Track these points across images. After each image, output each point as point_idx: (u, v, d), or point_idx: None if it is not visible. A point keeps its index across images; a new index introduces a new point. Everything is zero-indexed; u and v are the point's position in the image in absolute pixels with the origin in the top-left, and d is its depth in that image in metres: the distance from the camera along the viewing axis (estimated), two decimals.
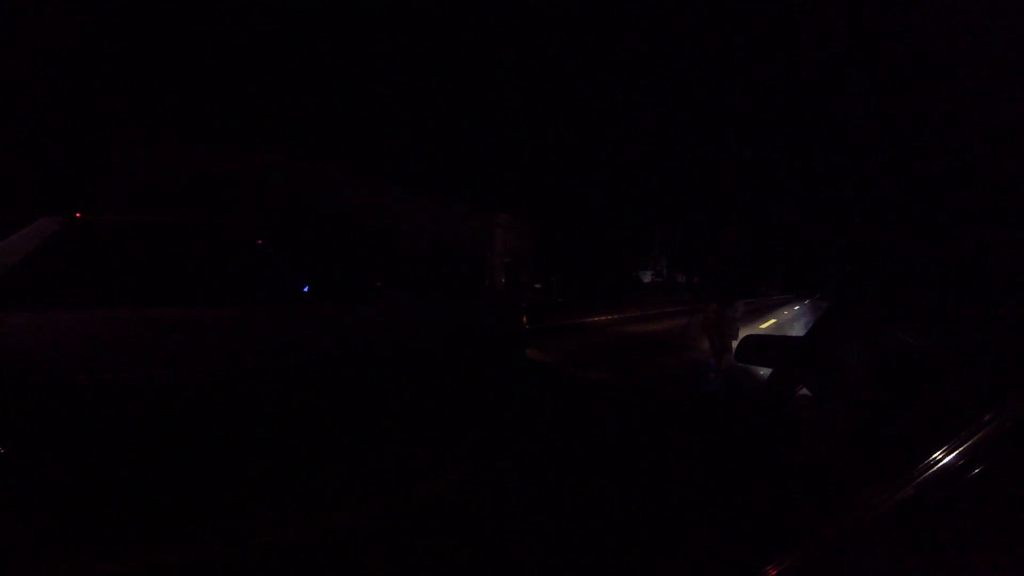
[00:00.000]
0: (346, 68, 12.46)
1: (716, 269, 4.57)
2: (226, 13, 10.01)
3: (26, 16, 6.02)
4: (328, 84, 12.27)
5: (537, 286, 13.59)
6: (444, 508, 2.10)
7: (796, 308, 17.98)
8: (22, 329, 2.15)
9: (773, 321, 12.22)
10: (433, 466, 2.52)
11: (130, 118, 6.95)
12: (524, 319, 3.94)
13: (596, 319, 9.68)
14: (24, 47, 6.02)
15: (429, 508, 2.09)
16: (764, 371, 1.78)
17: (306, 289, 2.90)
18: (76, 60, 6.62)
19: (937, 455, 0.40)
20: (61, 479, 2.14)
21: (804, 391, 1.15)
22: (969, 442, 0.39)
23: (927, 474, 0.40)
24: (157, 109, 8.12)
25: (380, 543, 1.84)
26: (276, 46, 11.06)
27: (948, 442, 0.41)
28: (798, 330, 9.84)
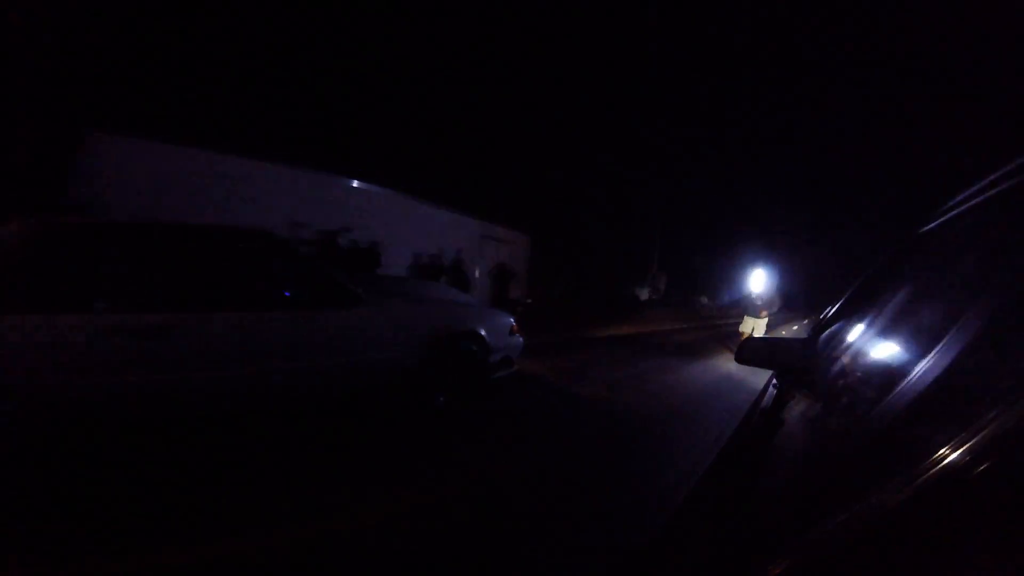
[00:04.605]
0: (336, 73, 12.34)
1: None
2: (212, 12, 9.81)
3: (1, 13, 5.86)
4: (318, 89, 12.15)
5: (529, 300, 13.39)
6: (437, 516, 2.10)
7: (795, 328, 16.42)
8: (2, 334, 2.06)
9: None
10: (423, 474, 2.51)
11: (111, 119, 6.84)
12: (515, 328, 3.89)
13: (590, 335, 9.55)
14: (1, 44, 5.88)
15: (422, 516, 2.09)
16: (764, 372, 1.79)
17: (287, 294, 2.81)
18: (55, 58, 6.50)
19: (937, 455, 0.40)
20: (61, 479, 2.14)
21: (804, 391, 1.15)
22: (970, 442, 0.39)
23: (927, 474, 0.40)
24: (139, 110, 8.03)
25: (375, 548, 1.85)
26: (264, 48, 10.93)
27: (948, 442, 0.40)
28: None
